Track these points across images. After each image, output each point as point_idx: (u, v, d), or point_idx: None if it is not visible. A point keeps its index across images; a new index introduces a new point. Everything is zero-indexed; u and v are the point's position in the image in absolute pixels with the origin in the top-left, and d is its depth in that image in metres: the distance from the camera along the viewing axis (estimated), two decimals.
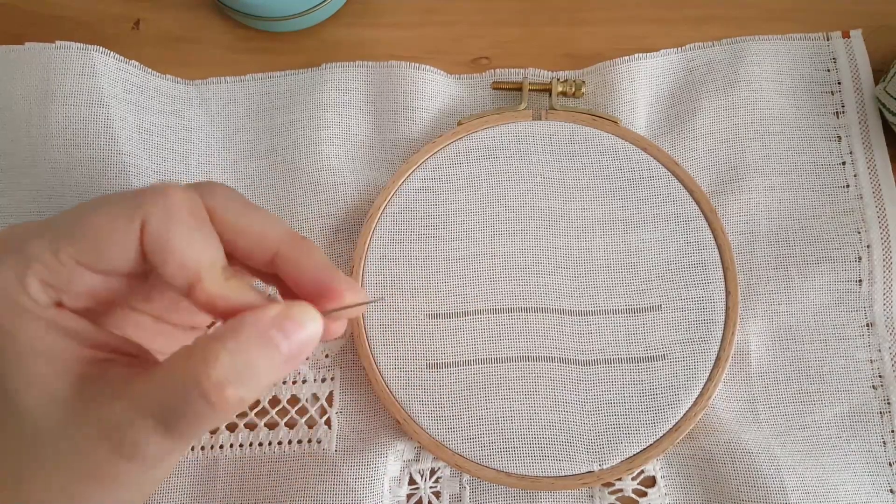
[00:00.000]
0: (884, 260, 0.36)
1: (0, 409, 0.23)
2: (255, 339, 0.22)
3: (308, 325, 0.24)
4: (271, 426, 0.36)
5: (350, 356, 0.36)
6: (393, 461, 0.34)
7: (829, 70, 0.40)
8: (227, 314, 0.24)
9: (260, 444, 0.35)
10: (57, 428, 0.23)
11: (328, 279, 0.26)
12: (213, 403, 0.22)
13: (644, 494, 0.34)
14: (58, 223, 0.24)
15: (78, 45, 0.37)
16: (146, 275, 0.27)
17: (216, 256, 0.24)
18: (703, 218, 0.36)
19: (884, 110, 0.38)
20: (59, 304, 0.24)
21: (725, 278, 0.35)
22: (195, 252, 0.24)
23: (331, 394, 0.36)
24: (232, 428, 0.36)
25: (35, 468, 0.23)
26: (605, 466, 0.33)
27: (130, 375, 0.23)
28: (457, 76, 0.40)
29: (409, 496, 0.34)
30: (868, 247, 0.37)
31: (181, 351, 0.23)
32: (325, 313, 0.25)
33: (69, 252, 0.23)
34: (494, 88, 0.40)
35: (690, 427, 0.33)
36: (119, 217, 0.24)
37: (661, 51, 0.40)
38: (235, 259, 0.26)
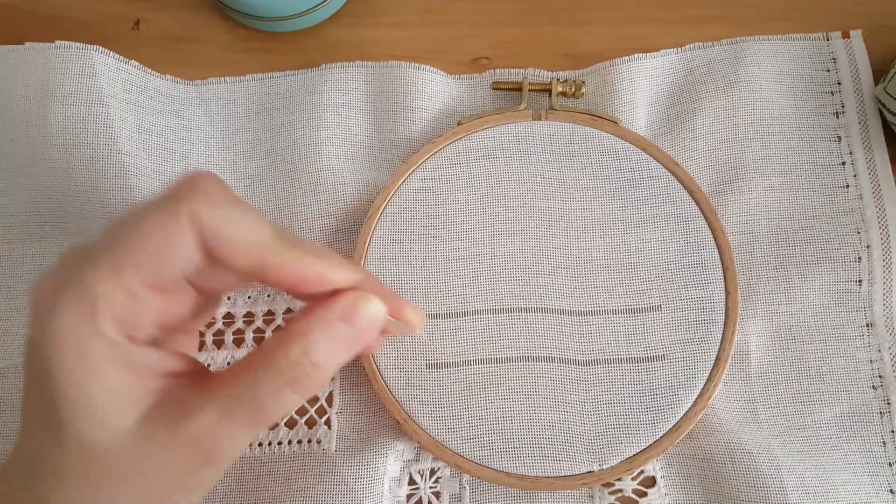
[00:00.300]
0: (884, 260, 0.36)
1: (71, 445, 0.23)
2: (327, 335, 0.24)
3: (372, 314, 0.25)
4: (271, 426, 0.36)
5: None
6: (393, 461, 0.34)
7: (828, 70, 0.40)
8: (299, 286, 0.24)
9: (259, 445, 0.35)
10: (134, 454, 0.23)
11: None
12: (298, 392, 0.24)
13: (644, 494, 0.34)
14: (111, 247, 0.23)
15: (78, 44, 0.37)
16: (206, 290, 0.26)
17: (271, 229, 0.24)
18: (702, 218, 0.36)
19: (884, 110, 0.38)
20: (131, 338, 0.23)
21: (725, 278, 0.35)
22: (253, 232, 0.23)
23: (330, 394, 0.36)
24: None
25: (111, 490, 0.23)
26: (604, 466, 0.33)
27: (201, 389, 0.24)
28: (457, 76, 0.40)
29: (408, 496, 0.34)
30: (868, 247, 0.37)
31: (258, 353, 0.24)
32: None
33: (133, 274, 0.22)
34: (494, 88, 0.40)
35: (690, 427, 0.33)
36: (167, 221, 0.23)
37: (661, 51, 0.40)
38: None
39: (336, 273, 0.24)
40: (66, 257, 0.24)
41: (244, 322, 0.37)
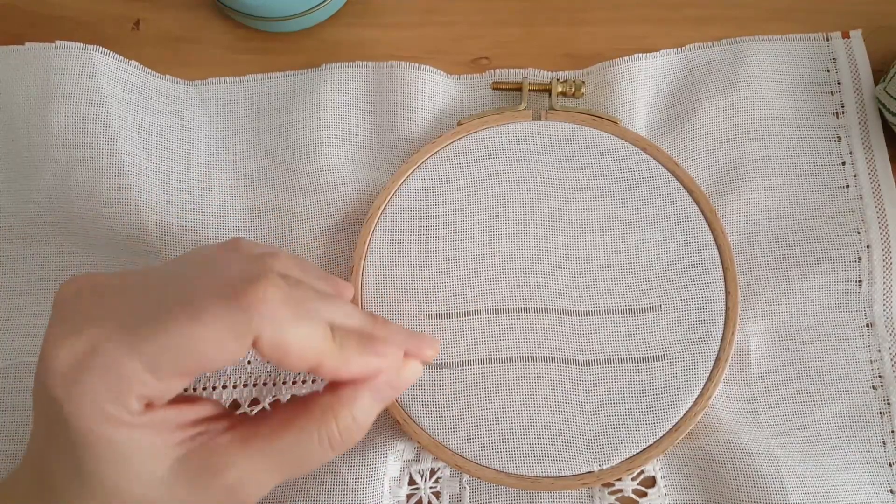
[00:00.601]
0: (883, 260, 0.36)
1: (102, 493, 0.23)
2: (375, 399, 0.27)
3: (414, 378, 0.28)
4: None
5: None
6: (393, 461, 0.34)
7: (828, 70, 0.40)
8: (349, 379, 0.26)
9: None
10: (166, 501, 0.24)
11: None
12: (340, 450, 0.26)
13: (644, 495, 0.34)
14: (157, 339, 0.22)
15: (78, 45, 0.37)
16: None
17: (326, 335, 0.25)
18: (702, 218, 0.36)
19: (884, 110, 0.38)
20: (150, 405, 0.23)
21: (725, 279, 0.35)
22: (311, 345, 0.24)
23: None
24: None
25: None
26: (604, 467, 0.33)
27: (233, 438, 0.25)
28: (457, 76, 0.40)
29: (409, 496, 0.34)
30: (868, 247, 0.37)
31: (299, 409, 0.26)
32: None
33: (173, 374, 0.23)
34: (494, 89, 0.40)
35: (690, 427, 0.33)
36: (228, 336, 0.22)
37: (661, 51, 0.40)
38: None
39: (383, 362, 0.26)
40: (107, 326, 0.23)
41: None
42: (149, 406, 0.23)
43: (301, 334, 0.24)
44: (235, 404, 0.36)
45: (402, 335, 0.28)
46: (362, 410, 0.26)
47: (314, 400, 0.26)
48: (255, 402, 0.36)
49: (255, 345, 0.23)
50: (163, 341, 0.22)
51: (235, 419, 0.26)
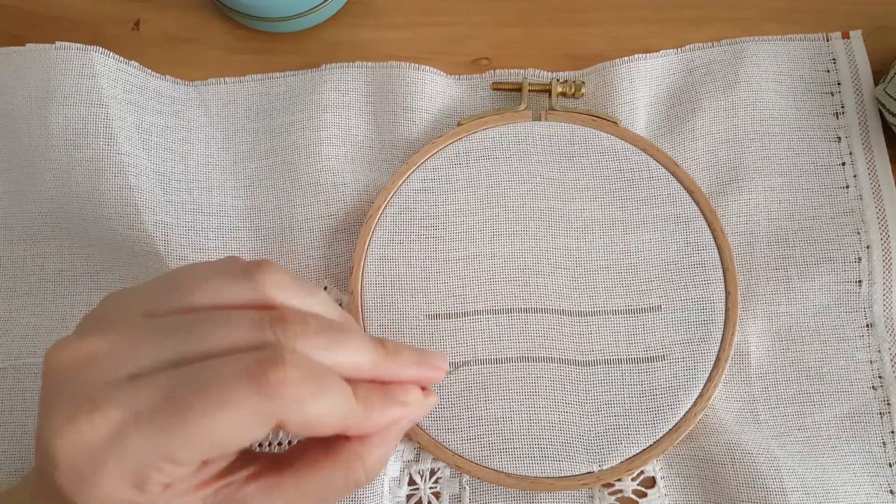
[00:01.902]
0: (883, 261, 0.36)
1: None
2: (398, 437, 0.27)
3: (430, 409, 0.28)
4: None
5: None
6: (393, 461, 0.34)
7: (828, 71, 0.40)
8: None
9: (260, 445, 0.35)
10: None
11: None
12: (363, 486, 0.27)
13: (644, 495, 0.34)
14: (177, 432, 0.21)
15: (78, 45, 0.37)
16: None
17: (349, 398, 0.24)
18: (702, 218, 0.36)
19: (883, 111, 0.38)
20: (169, 485, 0.23)
21: (725, 279, 0.35)
22: (336, 413, 0.23)
23: None
24: None
25: None
26: (604, 467, 0.33)
27: (259, 485, 0.25)
28: (456, 77, 0.40)
29: (408, 496, 0.34)
30: (868, 247, 0.37)
31: (324, 454, 0.26)
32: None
33: (193, 459, 0.22)
34: (494, 89, 0.40)
35: (690, 428, 0.33)
36: (253, 423, 0.22)
37: (661, 51, 0.40)
38: None
39: (406, 410, 0.26)
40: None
41: None
42: (167, 485, 0.22)
43: (325, 406, 0.23)
44: None
45: (413, 363, 0.27)
46: (386, 450, 0.26)
47: (341, 444, 0.25)
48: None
49: (279, 425, 0.22)
50: (186, 434, 0.21)
51: (258, 462, 0.26)
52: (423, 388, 0.28)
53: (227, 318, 0.23)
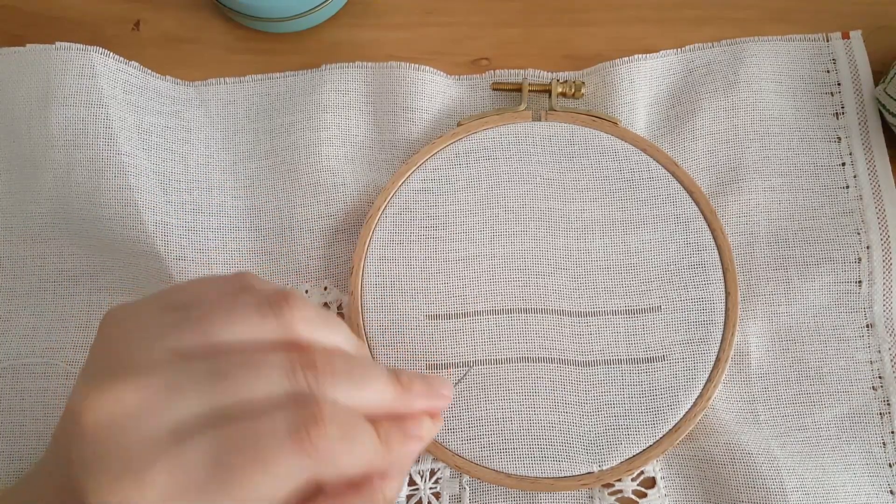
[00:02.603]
0: (883, 261, 0.36)
1: None
2: (407, 470, 0.28)
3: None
4: None
5: None
6: None
7: (828, 71, 0.40)
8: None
9: None
10: None
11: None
12: None
13: (644, 495, 0.34)
14: (223, 497, 0.21)
15: (78, 46, 0.37)
16: None
17: (376, 444, 0.25)
18: (702, 219, 0.36)
19: (883, 111, 0.38)
20: None
21: (725, 279, 0.35)
22: (364, 460, 0.24)
23: None
24: None
25: None
26: (604, 467, 0.33)
27: None
28: (456, 77, 0.40)
29: (408, 497, 0.34)
30: (868, 248, 0.37)
31: (344, 495, 0.25)
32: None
33: None
34: (494, 89, 0.40)
35: (690, 428, 0.33)
36: (289, 480, 0.22)
37: (661, 52, 0.40)
38: None
39: (422, 443, 0.27)
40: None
41: None
42: None
43: (357, 456, 0.24)
44: None
45: (425, 395, 0.28)
46: (402, 479, 0.27)
47: (360, 479, 0.25)
48: None
49: (311, 478, 0.23)
50: (230, 497, 0.21)
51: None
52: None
53: (260, 365, 0.23)
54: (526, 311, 0.35)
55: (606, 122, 0.38)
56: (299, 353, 0.24)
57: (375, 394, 0.26)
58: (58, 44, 0.38)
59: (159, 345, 0.23)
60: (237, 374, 0.23)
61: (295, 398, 0.23)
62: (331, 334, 0.26)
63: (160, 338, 0.23)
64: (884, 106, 0.37)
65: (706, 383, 0.34)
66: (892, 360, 0.35)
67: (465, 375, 0.34)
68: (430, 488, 0.34)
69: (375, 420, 0.25)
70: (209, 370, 0.23)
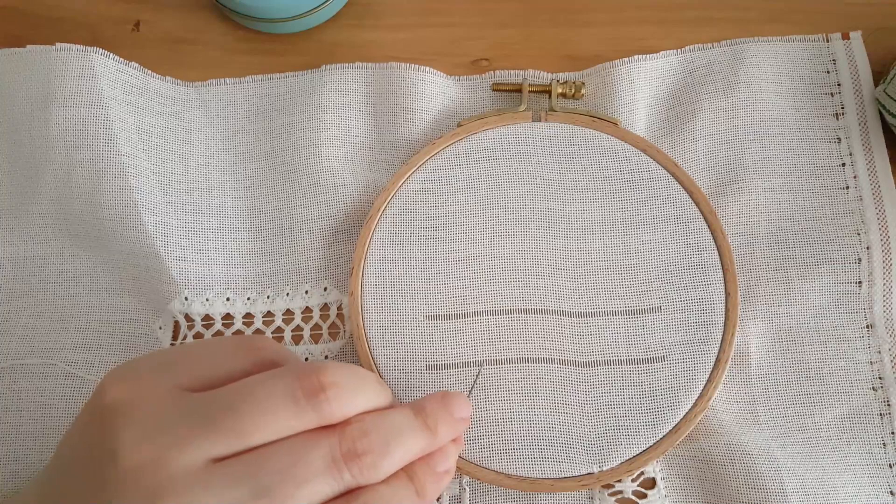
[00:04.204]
0: (884, 261, 0.36)
1: None
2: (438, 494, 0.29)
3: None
4: None
5: (349, 357, 0.36)
6: None
7: (828, 72, 0.40)
8: None
9: None
10: None
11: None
12: None
13: (644, 496, 0.34)
14: None
15: (78, 47, 0.37)
16: None
17: (418, 500, 0.26)
18: (702, 219, 0.36)
19: (884, 112, 0.38)
20: None
21: (725, 280, 0.35)
22: None
23: None
24: None
25: None
26: (604, 468, 0.33)
27: None
28: (456, 78, 0.40)
29: None
30: (868, 248, 0.37)
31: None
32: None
33: None
34: (494, 90, 0.40)
35: (690, 429, 0.33)
36: None
37: (661, 52, 0.40)
38: None
39: (451, 476, 0.28)
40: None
41: (243, 324, 0.37)
42: None
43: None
44: None
45: (451, 433, 0.28)
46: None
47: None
48: None
49: None
50: None
51: None
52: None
53: (304, 473, 0.23)
54: (526, 311, 0.35)
55: (606, 122, 0.38)
56: (339, 439, 0.24)
57: (410, 450, 0.26)
58: (58, 45, 0.38)
59: (194, 455, 0.23)
60: (283, 489, 0.23)
61: (340, 493, 0.24)
62: (364, 398, 0.26)
63: (193, 444, 0.23)
64: (884, 106, 0.37)
65: (706, 384, 0.34)
66: (892, 361, 0.35)
67: (475, 382, 0.34)
68: None
69: (409, 468, 0.26)
70: (254, 490, 0.22)
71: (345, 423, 0.25)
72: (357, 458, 0.24)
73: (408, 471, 0.26)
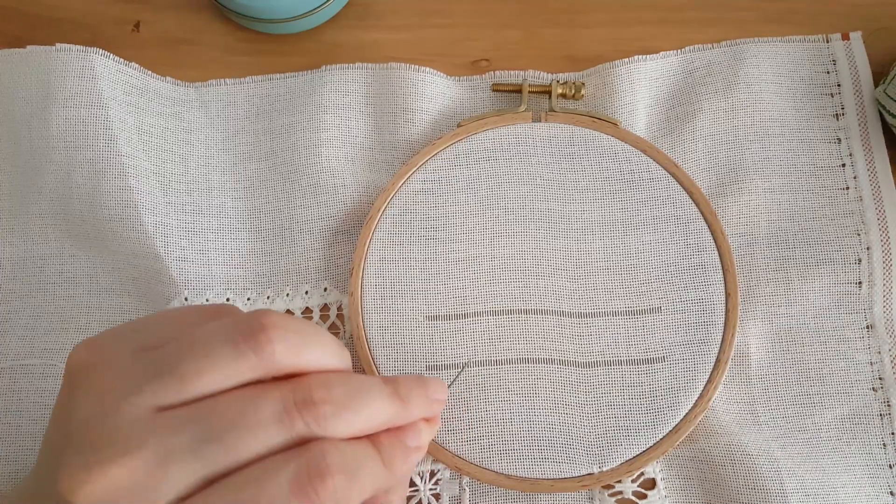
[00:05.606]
0: (884, 262, 0.36)
1: None
2: (409, 477, 0.29)
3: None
4: None
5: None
6: None
7: (828, 72, 0.40)
8: None
9: None
10: None
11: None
12: None
13: (644, 496, 0.34)
14: None
15: (78, 47, 0.37)
16: None
17: (384, 472, 0.25)
18: (702, 220, 0.36)
19: (884, 112, 0.38)
20: None
21: (725, 280, 0.35)
22: (371, 490, 0.24)
23: None
24: None
25: None
26: (604, 468, 0.33)
27: None
28: (457, 78, 0.40)
29: (408, 498, 0.34)
30: (868, 249, 0.37)
31: None
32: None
33: None
34: (494, 90, 0.40)
35: (690, 429, 0.33)
36: None
37: (661, 53, 0.40)
38: None
39: (424, 451, 0.28)
40: None
41: None
42: None
43: (364, 489, 0.24)
44: None
45: (423, 406, 0.27)
46: (405, 488, 0.28)
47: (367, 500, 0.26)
48: None
49: None
50: None
51: None
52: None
53: (253, 419, 0.22)
54: (526, 312, 0.35)
55: (606, 123, 0.38)
56: (292, 389, 0.23)
57: (376, 414, 0.25)
58: (58, 45, 0.38)
59: (139, 404, 0.22)
60: (230, 436, 0.22)
61: (296, 449, 0.22)
62: (317, 351, 0.24)
63: (138, 393, 0.22)
64: (884, 107, 0.37)
65: (706, 384, 0.34)
66: (892, 362, 0.35)
67: (457, 376, 0.34)
68: (430, 489, 0.34)
69: (375, 437, 0.25)
70: (199, 435, 0.22)
71: (303, 376, 0.24)
72: (313, 406, 0.23)
73: (373, 439, 0.25)
